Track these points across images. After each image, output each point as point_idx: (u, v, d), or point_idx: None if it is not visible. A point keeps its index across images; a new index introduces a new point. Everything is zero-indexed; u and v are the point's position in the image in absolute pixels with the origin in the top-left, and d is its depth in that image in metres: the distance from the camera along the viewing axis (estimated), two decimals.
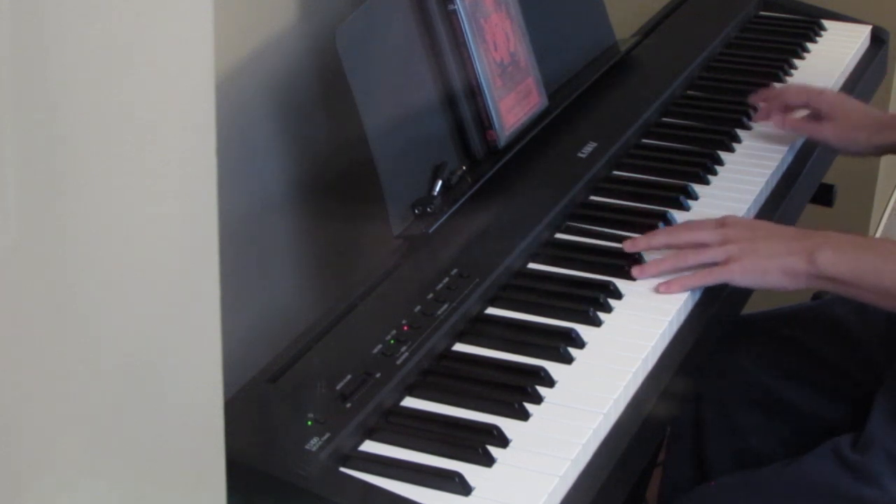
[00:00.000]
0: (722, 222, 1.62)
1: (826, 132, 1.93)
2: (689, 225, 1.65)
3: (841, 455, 1.58)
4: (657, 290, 1.57)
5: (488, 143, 1.75)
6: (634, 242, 1.63)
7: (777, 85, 2.12)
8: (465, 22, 1.71)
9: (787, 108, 1.99)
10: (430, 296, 1.49)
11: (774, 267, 1.56)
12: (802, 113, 1.98)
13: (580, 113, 1.94)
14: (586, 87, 1.97)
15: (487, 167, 1.72)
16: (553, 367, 1.43)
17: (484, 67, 1.73)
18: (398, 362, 1.39)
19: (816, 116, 1.96)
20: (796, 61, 2.25)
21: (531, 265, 1.63)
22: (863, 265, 1.54)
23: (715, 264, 1.58)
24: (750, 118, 2.01)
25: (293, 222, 1.78)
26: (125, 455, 0.90)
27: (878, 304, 1.58)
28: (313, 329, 1.44)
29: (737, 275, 1.58)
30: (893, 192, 3.29)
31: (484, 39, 1.74)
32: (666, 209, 1.75)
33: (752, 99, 2.02)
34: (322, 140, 1.80)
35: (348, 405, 1.32)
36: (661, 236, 1.64)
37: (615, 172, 1.86)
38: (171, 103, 0.86)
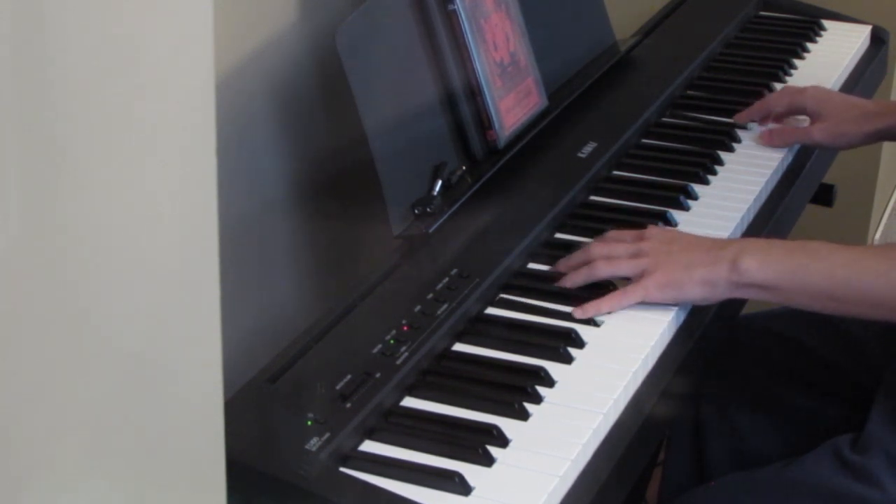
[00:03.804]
0: (640, 235, 1.57)
1: (814, 135, 1.92)
2: (607, 236, 1.59)
3: (841, 455, 1.58)
4: (573, 314, 1.51)
5: (488, 143, 1.75)
6: (564, 266, 1.58)
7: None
8: (465, 22, 1.71)
9: (772, 114, 1.98)
10: (430, 296, 1.49)
11: (692, 278, 1.51)
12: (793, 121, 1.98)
13: (580, 113, 1.94)
14: (586, 87, 1.97)
15: (487, 167, 1.72)
16: (553, 367, 1.43)
17: (484, 67, 1.73)
18: (398, 362, 1.39)
19: (800, 113, 1.96)
20: (796, 61, 2.25)
21: (531, 265, 1.63)
22: (791, 266, 1.49)
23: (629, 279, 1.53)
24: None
25: (293, 222, 1.78)
26: (125, 455, 0.90)
27: (804, 307, 1.54)
28: (313, 329, 1.44)
29: (652, 290, 1.51)
30: (893, 192, 3.29)
31: (484, 39, 1.74)
32: (666, 209, 1.74)
33: (739, 118, 1.99)
34: (322, 140, 1.80)
35: (348, 405, 1.32)
36: (579, 255, 1.58)
37: (615, 172, 1.86)
38: (171, 103, 0.86)
